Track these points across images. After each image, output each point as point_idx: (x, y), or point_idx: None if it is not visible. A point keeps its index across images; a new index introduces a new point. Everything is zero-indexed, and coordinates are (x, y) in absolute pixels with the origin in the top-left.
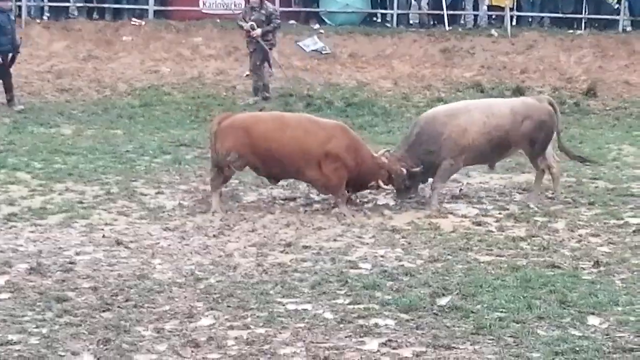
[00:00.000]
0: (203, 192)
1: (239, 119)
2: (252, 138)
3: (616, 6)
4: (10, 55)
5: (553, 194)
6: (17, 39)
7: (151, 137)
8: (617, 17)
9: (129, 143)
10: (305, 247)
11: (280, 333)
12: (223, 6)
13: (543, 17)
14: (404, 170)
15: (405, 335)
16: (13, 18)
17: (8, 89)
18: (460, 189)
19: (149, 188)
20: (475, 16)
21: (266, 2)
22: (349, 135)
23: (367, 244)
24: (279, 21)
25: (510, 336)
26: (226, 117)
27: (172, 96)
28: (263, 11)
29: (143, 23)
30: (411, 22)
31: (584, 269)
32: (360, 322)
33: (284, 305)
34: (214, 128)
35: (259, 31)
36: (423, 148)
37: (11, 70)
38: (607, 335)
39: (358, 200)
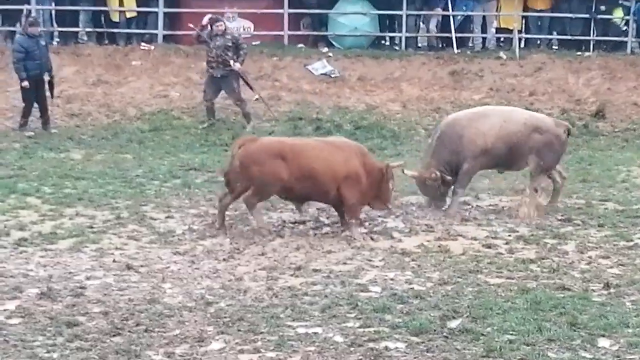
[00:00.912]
0: (213, 216)
1: (273, 144)
2: (289, 162)
3: (624, 28)
4: (41, 79)
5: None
6: (48, 63)
7: (161, 161)
8: (625, 39)
9: (138, 167)
10: (315, 270)
11: (291, 357)
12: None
13: (551, 39)
14: (437, 173)
15: (415, 358)
16: (43, 43)
17: (43, 112)
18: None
19: (158, 212)
20: (484, 39)
21: (229, 27)
22: (358, 150)
23: (377, 267)
24: (246, 45)
25: (521, 359)
26: (252, 141)
27: (181, 120)
28: (228, 36)
29: (152, 47)
30: (420, 45)
31: (594, 290)
32: (371, 345)
33: (294, 329)
34: (236, 151)
35: (238, 65)
36: (447, 149)
37: (47, 94)
38: (617, 357)
39: (367, 223)
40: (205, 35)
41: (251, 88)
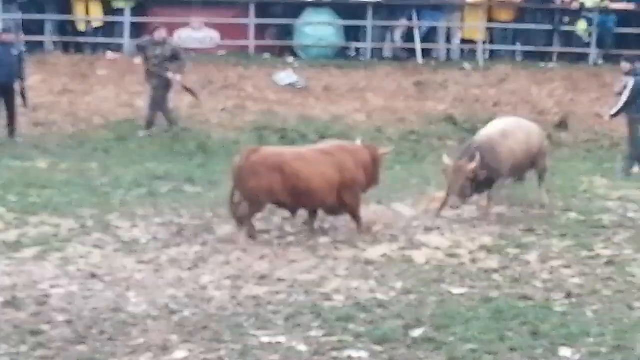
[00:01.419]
0: (177, 225)
1: (271, 156)
2: (286, 175)
3: (587, 40)
4: (11, 87)
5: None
6: (22, 72)
7: (126, 170)
8: (588, 51)
9: (103, 176)
10: (279, 279)
11: None
12: (197, 40)
13: (515, 50)
14: (477, 165)
15: None
16: (16, 52)
17: (10, 120)
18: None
19: (123, 221)
20: (448, 49)
21: (169, 37)
22: (350, 151)
23: (341, 276)
24: (185, 56)
25: None
26: (253, 152)
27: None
28: (168, 46)
29: (118, 57)
30: (385, 55)
31: (555, 300)
32: (334, 354)
33: (257, 338)
34: (243, 163)
35: (178, 77)
36: (482, 163)
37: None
38: None
39: (330, 233)
40: (146, 43)
41: (194, 95)
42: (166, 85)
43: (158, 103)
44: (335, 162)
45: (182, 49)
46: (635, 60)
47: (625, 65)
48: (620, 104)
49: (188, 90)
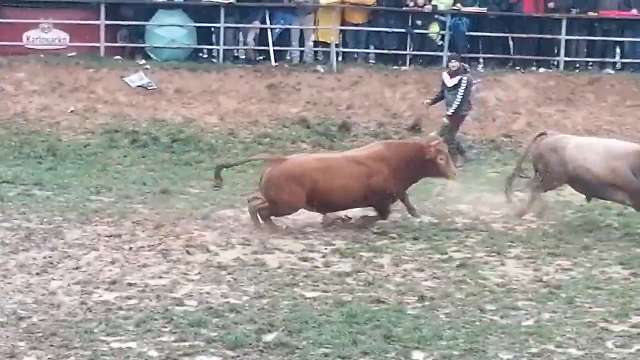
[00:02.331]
0: (26, 230)
1: (293, 168)
2: (307, 189)
3: (440, 42)
4: None
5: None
6: None
7: None
8: (441, 54)
9: None
10: (130, 284)
11: None
12: (47, 41)
13: (368, 53)
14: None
15: None
16: None
17: None
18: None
19: None
20: (301, 52)
21: None
22: (383, 156)
23: (193, 280)
24: None
25: None
26: (279, 162)
27: None
28: None
29: None
30: (238, 57)
31: (408, 303)
32: (186, 359)
33: (108, 344)
34: (269, 174)
35: None
36: None
37: None
38: None
39: (182, 236)
40: None
41: None
42: None
43: None
44: (363, 172)
45: None
46: (462, 59)
47: (454, 64)
48: (457, 101)
49: None
